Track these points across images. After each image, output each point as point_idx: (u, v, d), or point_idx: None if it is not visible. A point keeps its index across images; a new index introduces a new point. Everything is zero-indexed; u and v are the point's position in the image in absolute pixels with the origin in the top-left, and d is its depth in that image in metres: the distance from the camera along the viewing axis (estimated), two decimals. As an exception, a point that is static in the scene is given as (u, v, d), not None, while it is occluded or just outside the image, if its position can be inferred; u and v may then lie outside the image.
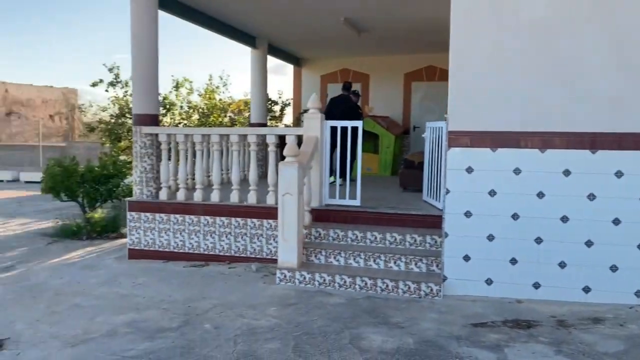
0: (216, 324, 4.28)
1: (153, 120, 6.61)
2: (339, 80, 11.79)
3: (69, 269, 6.12)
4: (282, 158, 5.47)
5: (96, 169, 8.42)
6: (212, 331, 4.14)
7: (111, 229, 8.14)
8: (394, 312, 4.55)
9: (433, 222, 5.61)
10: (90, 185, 8.29)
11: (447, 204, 4.99)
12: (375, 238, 5.64)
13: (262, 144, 7.96)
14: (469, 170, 4.85)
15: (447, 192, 4.96)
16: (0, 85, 29.35)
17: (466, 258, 4.92)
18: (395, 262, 5.31)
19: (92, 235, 7.95)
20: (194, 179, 6.78)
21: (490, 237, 4.84)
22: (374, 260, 5.38)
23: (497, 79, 4.80)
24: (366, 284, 5.09)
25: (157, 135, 6.55)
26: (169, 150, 6.65)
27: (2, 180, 16.98)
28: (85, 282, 5.58)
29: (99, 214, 8.56)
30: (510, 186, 4.77)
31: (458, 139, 4.87)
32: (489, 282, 4.87)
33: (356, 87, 11.26)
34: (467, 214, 4.89)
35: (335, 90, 9.74)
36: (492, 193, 4.81)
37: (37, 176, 11.88)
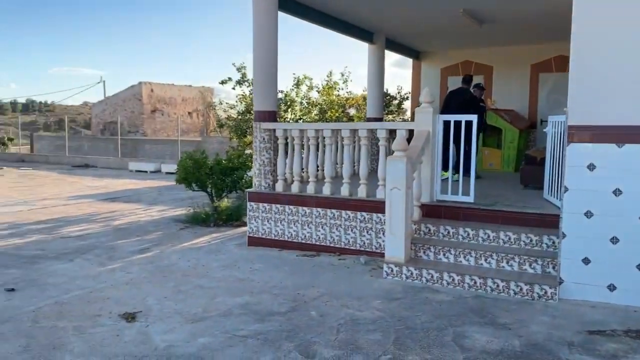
0: (321, 312, 4.45)
1: (271, 116, 6.98)
2: (460, 73, 11.44)
3: (196, 253, 6.70)
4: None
5: (223, 161, 9.08)
6: (317, 318, 4.32)
7: (235, 217, 8.73)
8: (502, 313, 4.39)
9: (552, 222, 5.28)
10: (217, 177, 8.96)
11: (565, 202, 4.68)
12: (488, 236, 5.46)
13: (374, 138, 8.02)
14: (591, 167, 4.51)
15: (566, 190, 4.65)
16: (146, 86, 32.58)
17: (586, 261, 4.58)
18: (508, 262, 5.10)
19: (219, 222, 8.60)
20: (307, 172, 7.03)
21: (614, 240, 4.46)
22: (485, 259, 5.21)
23: (626, 68, 4.39)
24: (475, 282, 4.96)
25: (274, 130, 6.91)
26: (285, 144, 6.98)
27: (146, 171, 18.91)
28: (209, 265, 6.08)
29: (225, 203, 9.22)
30: (639, 185, 4.35)
31: (579, 133, 4.54)
32: (611, 287, 4.50)
33: (478, 79, 10.86)
34: (588, 214, 4.54)
35: (456, 83, 9.49)
36: (617, 192, 4.43)
37: (175, 168, 13.08)
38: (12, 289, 5.10)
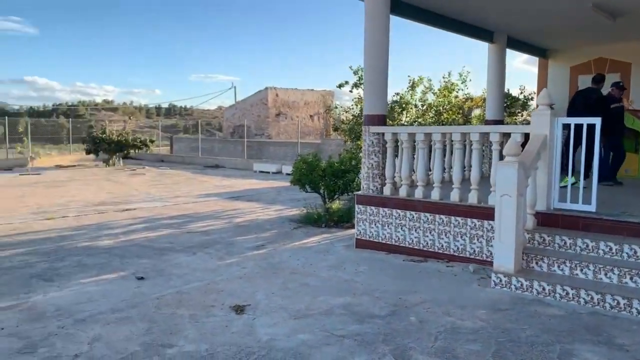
0: (421, 318, 4.43)
1: (381, 120, 7.04)
2: (593, 71, 10.57)
3: (306, 252, 6.97)
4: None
5: (335, 164, 9.31)
6: (416, 324, 4.30)
7: (346, 219, 8.92)
8: (620, 333, 4.04)
9: (689, 237, 4.74)
10: (329, 179, 9.22)
11: (702, 215, 4.18)
12: (610, 249, 5.03)
13: (487, 142, 7.73)
14: None
15: None
16: (272, 91, 34.20)
17: None
18: (632, 278, 4.67)
19: (330, 223, 8.84)
20: (416, 176, 6.97)
21: None
22: (606, 274, 4.81)
23: None
24: (592, 298, 4.60)
25: (383, 134, 6.96)
26: (394, 147, 7.00)
27: (268, 172, 19.90)
28: (317, 265, 6.30)
29: (336, 204, 9.45)
30: None
31: None
32: None
33: (615, 77, 9.98)
34: None
35: (587, 83, 8.79)
36: None
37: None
38: (142, 278, 5.71)
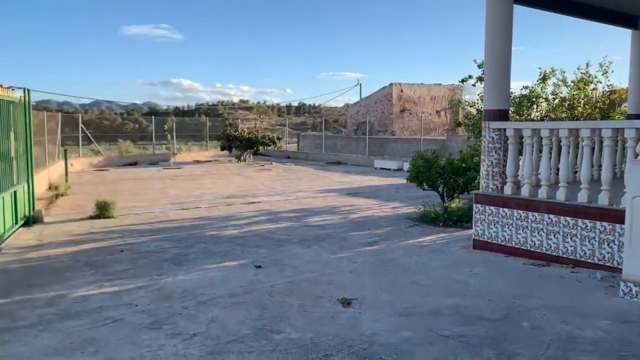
0: (534, 325, 4.20)
1: (502, 115, 6.73)
2: None
3: (419, 251, 6.90)
4: None
5: (455, 161, 9.06)
6: (528, 330, 4.09)
7: (465, 218, 8.65)
8: None
9: None
10: (449, 177, 8.99)
11: None
12: None
13: (622, 139, 7.02)
14: None
15: None
16: (396, 87, 34.01)
17: None
18: None
19: (447, 223, 8.64)
20: (539, 175, 6.56)
21: None
22: None
23: None
24: None
25: (504, 130, 6.65)
26: (516, 145, 6.65)
27: (389, 169, 19.88)
28: (429, 264, 6.22)
29: (455, 203, 9.20)
30: None
31: None
32: None
33: None
34: None
35: None
36: None
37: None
38: (260, 266, 6.07)
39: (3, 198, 7.38)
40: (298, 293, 5.10)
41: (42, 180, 13.26)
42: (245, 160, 23.90)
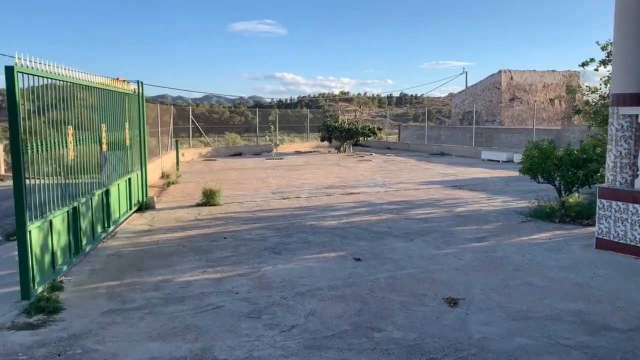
0: (677, 340, 3.64)
1: (634, 99, 5.98)
2: None
3: (533, 249, 6.36)
4: None
5: (575, 152, 8.27)
6: (669, 346, 3.55)
7: (585, 215, 7.89)
8: None
9: None
10: (567, 169, 8.23)
11: None
12: None
13: None
14: None
15: None
16: (506, 74, 32.25)
17: None
18: None
19: (565, 219, 7.93)
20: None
21: None
22: None
23: None
24: None
25: (636, 116, 5.90)
26: (652, 133, 5.89)
27: (497, 161, 18.84)
28: (544, 264, 5.70)
29: (574, 198, 8.43)
30: None
31: None
32: None
33: None
34: None
35: None
36: None
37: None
38: (359, 259, 5.90)
39: (118, 185, 7.86)
40: (400, 289, 4.87)
41: (155, 168, 14.11)
42: (344, 151, 23.90)
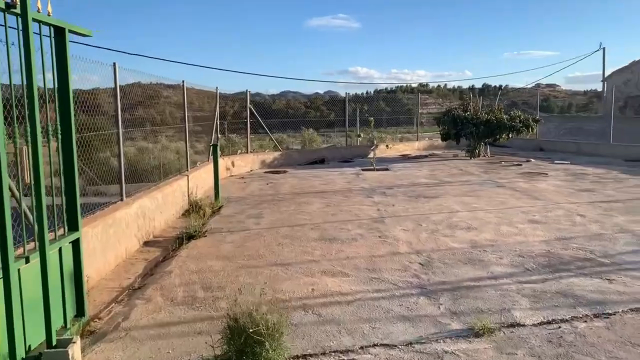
0: None
1: None
2: None
3: None
4: None
5: None
6: None
7: None
8: None
9: None
10: None
11: None
12: None
13: None
14: None
15: None
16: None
17: None
18: None
19: None
20: None
21: None
22: None
23: None
24: None
25: None
26: None
27: None
28: None
29: None
30: None
31: None
32: None
33: None
34: None
35: None
36: None
37: None
38: None
39: None
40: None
41: (173, 198, 7.42)
42: (479, 154, 16.27)
